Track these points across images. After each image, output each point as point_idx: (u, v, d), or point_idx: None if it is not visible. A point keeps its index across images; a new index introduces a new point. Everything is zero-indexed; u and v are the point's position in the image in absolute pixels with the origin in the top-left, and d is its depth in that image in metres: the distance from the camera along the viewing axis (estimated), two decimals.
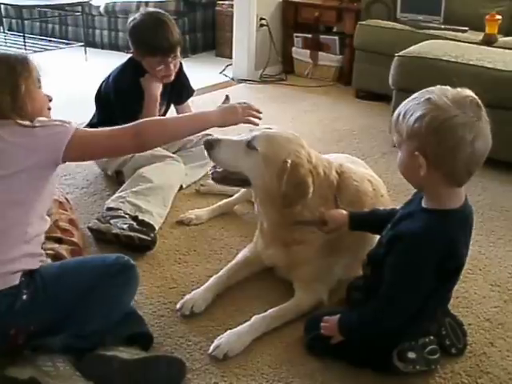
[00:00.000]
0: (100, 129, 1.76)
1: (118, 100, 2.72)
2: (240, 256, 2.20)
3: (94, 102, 2.97)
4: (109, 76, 2.82)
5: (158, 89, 2.75)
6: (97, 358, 1.62)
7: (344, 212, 1.95)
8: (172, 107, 3.10)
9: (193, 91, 3.14)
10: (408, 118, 1.54)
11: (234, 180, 2.08)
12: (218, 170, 2.11)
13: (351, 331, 1.71)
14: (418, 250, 1.59)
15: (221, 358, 1.76)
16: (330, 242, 2.01)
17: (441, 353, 1.76)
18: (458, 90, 1.59)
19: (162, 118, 1.93)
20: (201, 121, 2.00)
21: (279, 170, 1.90)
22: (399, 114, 1.58)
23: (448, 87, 1.59)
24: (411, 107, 1.56)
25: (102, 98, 2.84)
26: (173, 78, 2.77)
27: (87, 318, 1.64)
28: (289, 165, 1.89)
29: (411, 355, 1.69)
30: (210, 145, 2.02)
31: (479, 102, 1.57)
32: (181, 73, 2.98)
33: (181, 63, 2.98)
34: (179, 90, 3.01)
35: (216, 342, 1.79)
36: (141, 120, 1.84)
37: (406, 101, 1.61)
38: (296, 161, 1.90)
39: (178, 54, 2.74)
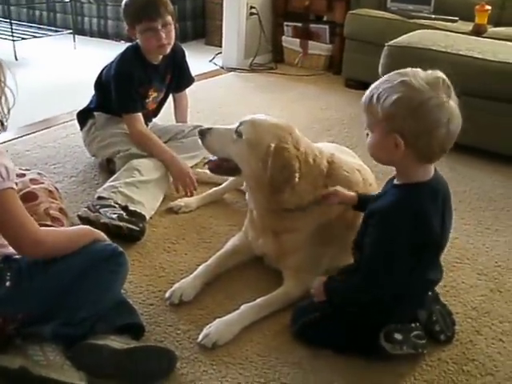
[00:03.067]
0: (26, 214, 1.58)
1: (115, 84, 2.71)
2: (229, 244, 2.21)
3: (83, 89, 2.97)
4: (110, 63, 2.81)
5: (138, 125, 2.73)
6: (87, 347, 1.62)
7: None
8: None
9: (193, 80, 3.14)
10: (384, 101, 1.58)
11: (227, 169, 2.11)
12: (212, 159, 2.15)
13: (334, 292, 1.78)
14: (387, 223, 1.64)
15: (210, 347, 1.77)
16: (319, 231, 2.02)
17: (429, 340, 1.78)
18: (429, 71, 1.63)
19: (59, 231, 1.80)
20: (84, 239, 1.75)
21: (264, 155, 1.92)
22: (372, 96, 1.62)
23: (419, 69, 1.63)
24: (386, 90, 1.59)
25: (101, 84, 2.83)
26: (168, 49, 2.73)
27: (76, 305, 1.64)
28: (272, 148, 1.90)
29: (398, 336, 1.71)
30: (202, 133, 2.10)
31: (449, 82, 1.65)
32: (183, 60, 2.99)
33: (184, 51, 2.99)
34: (179, 78, 3.00)
35: (205, 331, 1.80)
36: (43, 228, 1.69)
37: (378, 83, 1.65)
38: (280, 145, 1.92)
39: (170, 23, 2.69)
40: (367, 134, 1.70)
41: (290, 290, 2.00)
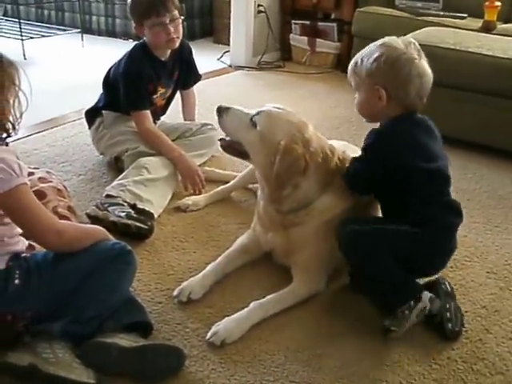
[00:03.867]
0: (43, 207, 1.64)
1: (124, 81, 2.72)
2: (238, 243, 2.20)
3: (91, 88, 2.98)
4: (119, 61, 2.82)
5: (146, 123, 2.74)
6: (96, 345, 1.62)
7: None
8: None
9: (200, 77, 3.14)
10: (366, 61, 1.90)
11: (238, 151, 2.13)
12: (225, 138, 2.17)
13: None
14: (370, 145, 1.93)
15: (218, 345, 1.77)
16: (326, 226, 2.00)
17: (437, 336, 1.84)
18: (403, 37, 1.98)
19: (76, 224, 1.86)
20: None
21: (273, 151, 1.93)
22: (356, 61, 1.95)
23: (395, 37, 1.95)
24: (367, 53, 1.92)
25: (109, 82, 2.84)
26: (177, 43, 2.74)
27: (85, 303, 1.64)
28: (282, 146, 1.91)
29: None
30: (220, 111, 2.12)
31: (419, 46, 1.95)
32: (190, 57, 2.99)
33: (191, 48, 3.00)
34: (187, 75, 3.01)
35: (214, 329, 1.80)
36: (63, 221, 1.78)
37: (361, 52, 1.96)
38: (289, 144, 1.92)
39: (178, 17, 2.71)
40: (355, 98, 1.99)
41: (300, 288, 2.00)
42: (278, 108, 2.05)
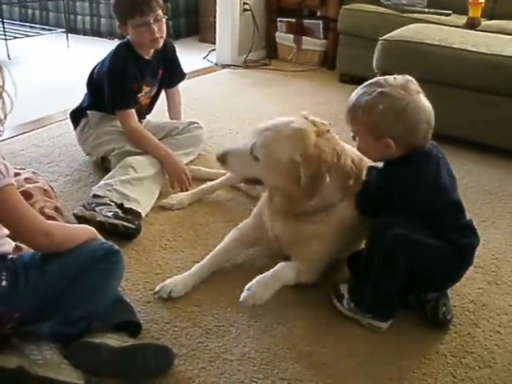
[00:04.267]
0: (30, 208, 1.60)
1: (108, 81, 2.70)
2: (224, 242, 2.17)
3: (77, 88, 2.96)
4: (102, 60, 2.80)
5: (131, 122, 2.72)
6: (84, 345, 1.61)
7: None
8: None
9: (184, 75, 3.14)
10: (369, 112, 1.82)
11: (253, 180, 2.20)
12: None
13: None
14: (380, 187, 1.90)
15: (249, 306, 1.79)
16: (342, 228, 1.98)
17: (427, 329, 1.89)
18: (397, 76, 1.90)
19: (64, 225, 1.82)
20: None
21: (287, 170, 1.87)
22: (356, 110, 1.86)
23: (388, 76, 1.88)
24: (368, 102, 1.83)
25: (93, 82, 2.82)
26: (161, 43, 2.73)
27: (73, 304, 1.63)
28: (298, 160, 1.84)
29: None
30: (222, 160, 2.06)
31: (414, 80, 1.91)
32: (174, 55, 2.99)
33: (174, 46, 2.99)
34: (171, 74, 3.00)
35: (249, 292, 1.79)
36: (51, 222, 1.75)
37: (357, 96, 1.88)
38: (303, 154, 1.85)
39: (162, 17, 2.70)
40: (354, 138, 1.93)
41: (301, 274, 1.98)
42: (268, 128, 1.95)
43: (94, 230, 1.78)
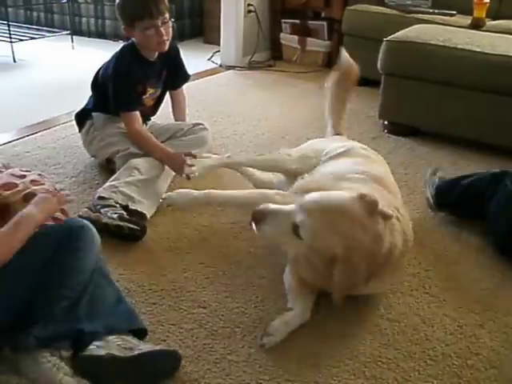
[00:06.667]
0: None
1: (113, 82, 2.71)
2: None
3: (82, 90, 2.97)
4: (107, 62, 2.81)
5: (136, 124, 2.72)
6: (89, 359, 1.57)
7: None
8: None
9: (189, 76, 3.13)
10: None
11: None
12: None
13: None
14: None
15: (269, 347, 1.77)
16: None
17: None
18: None
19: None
20: (28, 223, 1.61)
21: (326, 261, 1.71)
22: None
23: None
24: None
25: (98, 84, 2.83)
26: (167, 46, 2.74)
27: (52, 297, 1.58)
28: (338, 258, 1.68)
29: None
30: (257, 221, 1.81)
31: None
32: (178, 57, 2.98)
33: (178, 48, 2.98)
34: (175, 75, 3.00)
35: (271, 338, 1.78)
36: None
37: None
38: (347, 253, 1.67)
39: (168, 19, 2.70)
40: None
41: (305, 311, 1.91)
42: (319, 200, 1.76)
43: (41, 198, 1.75)
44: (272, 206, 1.82)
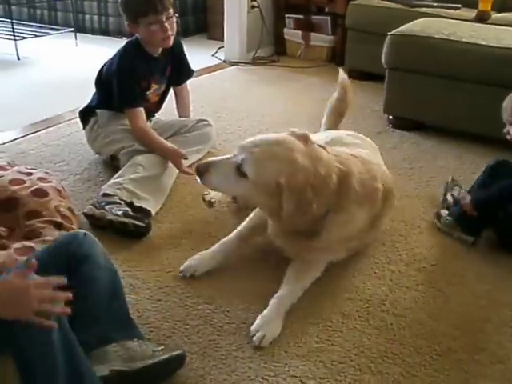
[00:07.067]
0: None
1: (117, 79, 2.71)
2: (245, 226, 2.20)
3: (86, 87, 2.98)
4: (111, 59, 2.81)
5: (140, 121, 2.72)
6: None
7: None
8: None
9: (192, 72, 3.13)
10: None
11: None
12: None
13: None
14: None
15: (267, 344, 1.77)
16: (339, 242, 2.03)
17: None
18: None
19: None
20: None
21: (273, 192, 1.83)
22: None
23: None
24: None
25: (102, 80, 2.83)
26: (172, 42, 2.73)
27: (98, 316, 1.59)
28: (283, 184, 1.80)
29: None
30: (201, 172, 1.93)
31: None
32: (182, 53, 2.98)
33: (182, 44, 2.98)
34: (179, 71, 3.00)
35: (253, 330, 1.80)
36: None
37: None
38: (290, 180, 1.81)
39: (172, 14, 2.70)
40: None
41: (306, 282, 2.02)
42: (257, 145, 1.89)
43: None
44: (215, 159, 1.95)
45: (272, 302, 1.89)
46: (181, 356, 1.65)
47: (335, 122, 2.91)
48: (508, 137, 2.43)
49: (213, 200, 2.46)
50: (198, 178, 1.95)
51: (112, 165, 2.82)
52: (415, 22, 3.70)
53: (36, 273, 1.38)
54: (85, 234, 1.68)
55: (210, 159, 1.98)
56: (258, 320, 1.83)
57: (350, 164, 1.99)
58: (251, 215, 2.21)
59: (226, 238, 2.15)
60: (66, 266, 1.58)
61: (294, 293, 1.95)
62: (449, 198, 2.56)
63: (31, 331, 1.31)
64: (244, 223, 2.19)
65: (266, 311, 1.86)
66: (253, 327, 1.81)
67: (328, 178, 1.88)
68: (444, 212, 2.47)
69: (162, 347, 1.66)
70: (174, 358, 1.63)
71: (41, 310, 1.30)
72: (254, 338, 1.78)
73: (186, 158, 2.65)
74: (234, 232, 2.16)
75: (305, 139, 1.92)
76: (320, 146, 1.97)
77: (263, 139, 1.92)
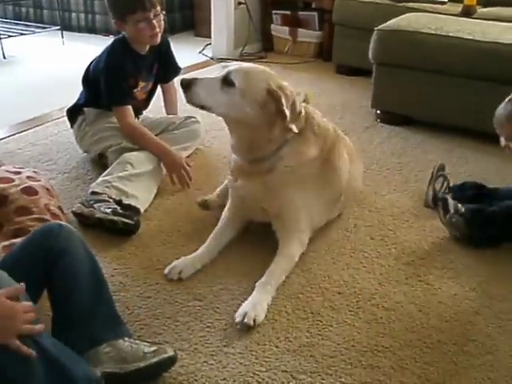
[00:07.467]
0: None
1: (105, 77, 2.70)
2: (222, 219, 2.26)
3: (73, 86, 2.97)
4: (98, 57, 2.79)
5: (128, 118, 2.71)
6: None
7: None
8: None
9: (180, 69, 3.12)
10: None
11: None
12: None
13: None
14: None
15: (252, 325, 1.79)
16: (296, 173, 2.11)
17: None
18: None
19: None
20: None
21: (262, 101, 1.99)
22: (504, 119, 2.31)
23: None
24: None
25: (89, 78, 2.82)
26: (159, 39, 2.73)
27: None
28: (274, 90, 1.99)
29: None
30: (187, 85, 2.03)
31: None
32: (169, 50, 2.98)
33: (169, 41, 2.97)
34: (166, 68, 2.99)
35: (241, 315, 1.81)
36: None
37: (501, 108, 2.33)
38: (274, 87, 2.00)
39: (160, 12, 2.69)
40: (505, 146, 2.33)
41: (292, 251, 2.08)
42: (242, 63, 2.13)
43: None
44: (199, 76, 2.09)
45: (257, 284, 1.95)
46: (172, 358, 1.63)
47: None
48: (508, 151, 2.35)
49: (207, 200, 2.50)
50: (182, 94, 2.06)
51: (100, 163, 2.81)
52: (402, 16, 3.71)
53: (8, 268, 1.38)
54: (60, 225, 1.66)
55: (196, 77, 2.08)
56: (242, 305, 1.86)
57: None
58: (222, 216, 2.28)
59: (208, 242, 2.17)
60: (42, 260, 1.56)
61: (277, 272, 2.01)
62: (430, 192, 2.54)
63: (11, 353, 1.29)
64: (218, 226, 2.24)
65: (250, 296, 1.90)
66: (242, 308, 1.85)
67: (299, 103, 2.12)
68: (453, 203, 2.30)
69: (155, 348, 1.62)
70: (165, 359, 1.61)
71: (23, 332, 1.30)
72: (237, 318, 1.81)
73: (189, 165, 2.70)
74: (212, 235, 2.20)
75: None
76: None
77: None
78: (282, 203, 2.12)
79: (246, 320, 1.79)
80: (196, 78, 2.05)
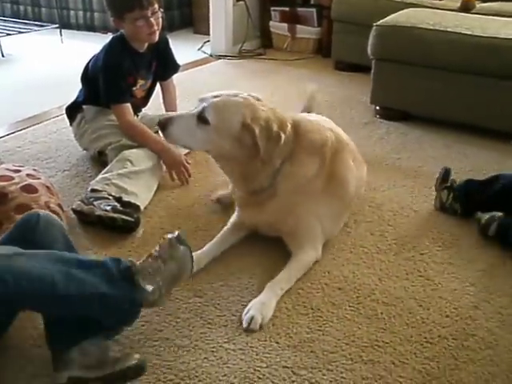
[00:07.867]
0: None
1: (103, 75, 2.69)
2: (230, 221, 2.25)
3: (72, 84, 2.97)
4: (96, 54, 2.79)
5: (127, 115, 2.71)
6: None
7: None
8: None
9: (178, 67, 3.12)
10: None
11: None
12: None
13: None
14: None
15: (258, 329, 1.79)
16: (297, 191, 2.09)
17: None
18: None
19: None
20: None
21: (238, 136, 1.94)
22: None
23: None
24: None
25: (88, 76, 2.82)
26: (157, 37, 2.72)
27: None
28: (249, 124, 1.93)
29: None
30: (163, 125, 2.04)
31: None
32: (167, 47, 2.97)
33: (167, 39, 2.97)
34: (165, 66, 2.98)
35: (247, 316, 1.81)
36: None
37: None
38: (253, 118, 1.94)
39: (158, 10, 2.68)
40: None
41: (306, 259, 2.07)
42: (217, 96, 2.02)
43: None
44: (174, 114, 2.11)
45: (267, 285, 1.94)
46: (138, 366, 1.58)
47: None
48: None
49: (220, 197, 2.52)
50: (160, 133, 2.11)
51: (100, 160, 2.81)
52: (400, 12, 3.71)
53: None
54: (38, 216, 1.65)
55: (172, 114, 2.09)
56: (251, 303, 1.86)
57: (299, 117, 2.20)
58: (231, 218, 2.27)
59: (213, 240, 2.17)
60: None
61: (289, 276, 1.99)
62: (437, 203, 2.52)
63: None
64: (225, 227, 2.23)
65: (260, 295, 1.90)
66: (245, 310, 1.85)
67: (284, 124, 2.03)
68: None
69: (125, 353, 1.63)
70: (130, 368, 1.56)
71: None
72: (244, 322, 1.80)
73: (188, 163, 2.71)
74: (219, 234, 2.20)
75: (257, 99, 2.06)
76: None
77: (221, 93, 2.04)
78: (294, 222, 2.09)
79: (252, 326, 1.79)
80: (171, 117, 2.05)
